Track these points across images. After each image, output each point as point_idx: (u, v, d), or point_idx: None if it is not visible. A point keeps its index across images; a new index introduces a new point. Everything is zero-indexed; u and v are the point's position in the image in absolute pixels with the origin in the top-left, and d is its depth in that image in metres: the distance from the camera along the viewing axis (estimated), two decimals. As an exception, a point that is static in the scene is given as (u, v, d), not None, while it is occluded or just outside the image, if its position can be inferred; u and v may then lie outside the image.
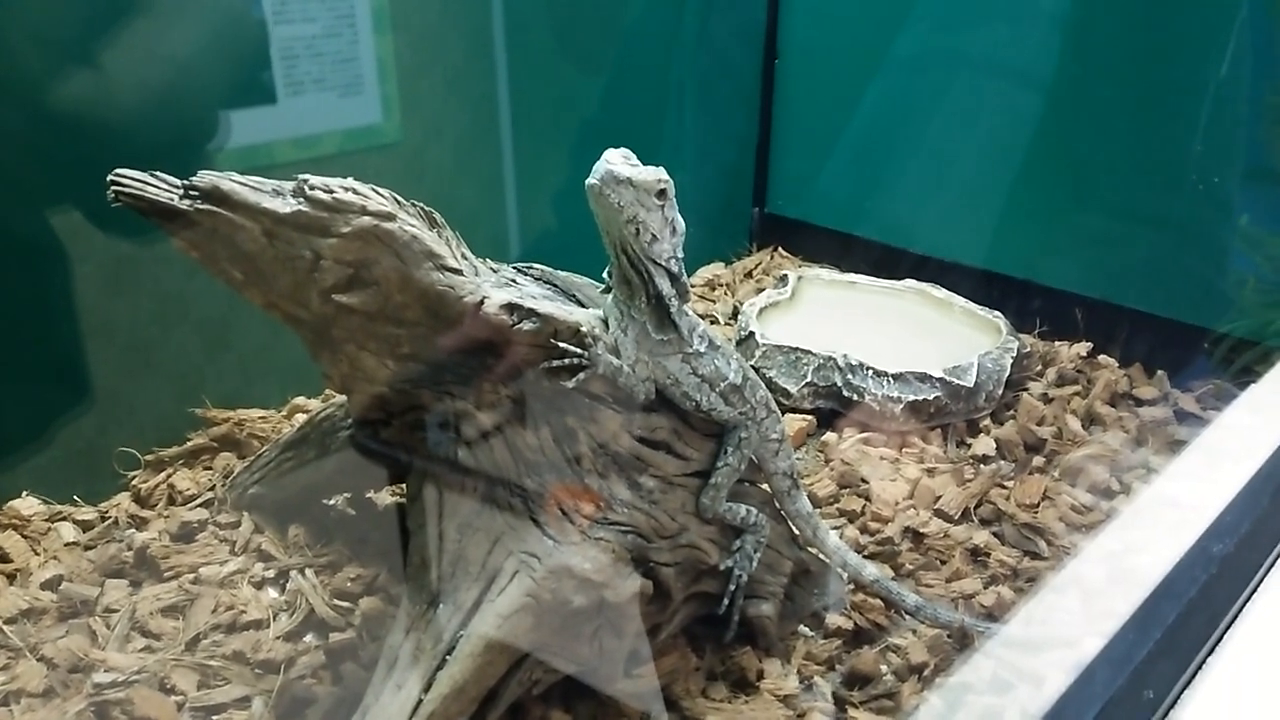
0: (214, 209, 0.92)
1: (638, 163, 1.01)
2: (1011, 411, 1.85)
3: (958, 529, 1.53)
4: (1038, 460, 1.70)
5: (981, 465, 1.71)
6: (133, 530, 1.44)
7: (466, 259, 1.03)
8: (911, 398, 1.77)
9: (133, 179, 0.92)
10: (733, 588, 1.22)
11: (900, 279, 2.20)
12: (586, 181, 0.98)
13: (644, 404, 1.12)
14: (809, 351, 1.85)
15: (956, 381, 1.79)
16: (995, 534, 1.52)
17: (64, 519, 1.48)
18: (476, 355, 1.02)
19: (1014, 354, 1.89)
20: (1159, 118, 1.93)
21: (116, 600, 1.31)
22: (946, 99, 2.18)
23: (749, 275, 2.43)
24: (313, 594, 1.30)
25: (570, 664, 1.08)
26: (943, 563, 1.46)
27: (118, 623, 1.27)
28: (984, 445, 1.75)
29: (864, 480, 1.65)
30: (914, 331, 2.10)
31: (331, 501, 1.47)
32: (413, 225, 0.96)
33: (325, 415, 1.36)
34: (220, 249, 0.94)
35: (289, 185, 0.95)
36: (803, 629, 1.32)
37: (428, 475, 1.06)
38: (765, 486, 1.30)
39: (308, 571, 1.33)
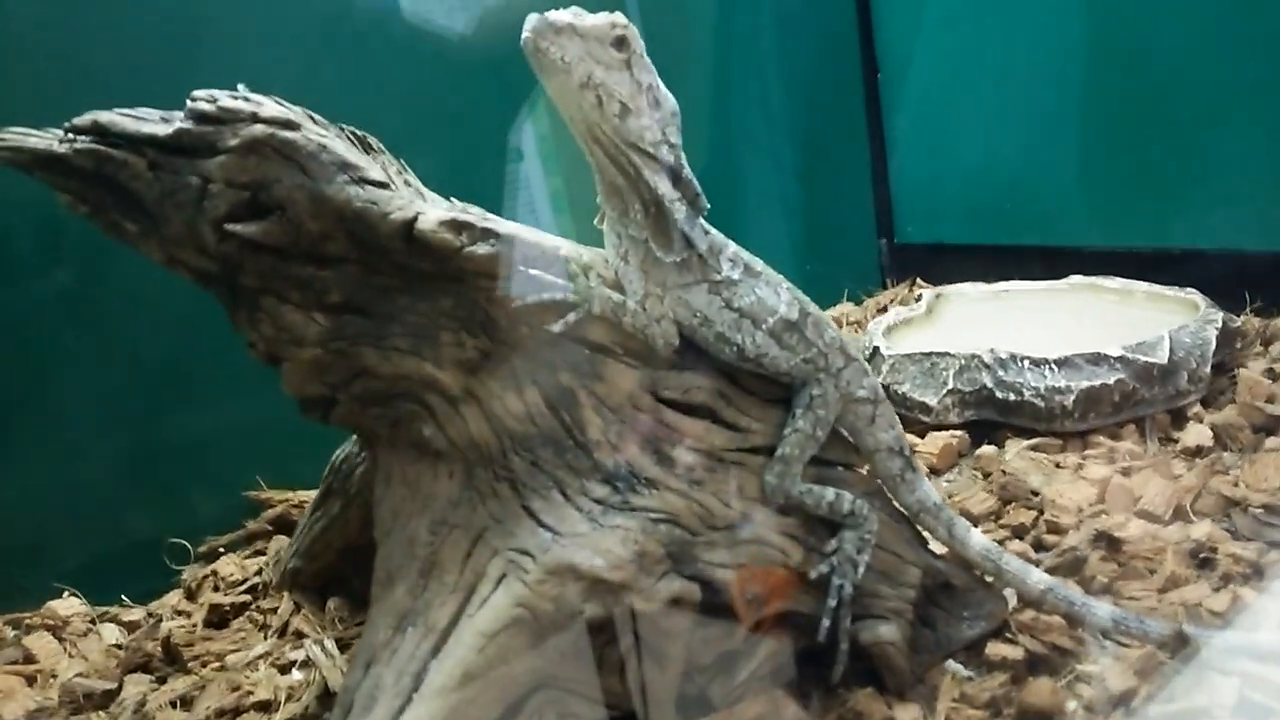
0: (94, 147, 0.77)
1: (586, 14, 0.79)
2: (1227, 395, 1.43)
3: (1168, 529, 1.14)
4: (1272, 442, 1.28)
5: (1195, 459, 1.30)
6: (164, 622, 1.27)
7: (410, 185, 0.84)
8: (1085, 384, 1.40)
9: (12, 133, 0.79)
10: (832, 602, 0.89)
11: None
12: (521, 38, 0.76)
13: (666, 353, 0.86)
14: (946, 354, 1.52)
15: (1143, 359, 1.40)
16: (1225, 528, 1.12)
17: (110, 620, 1.33)
18: (428, 298, 0.80)
19: (1218, 326, 1.49)
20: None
21: (133, 694, 1.13)
22: (1079, 65, 1.86)
23: (882, 311, 2.11)
24: (329, 667, 1.07)
25: (594, 706, 0.79)
26: (1151, 571, 1.07)
27: (120, 716, 1.08)
28: (1196, 435, 1.34)
29: (1034, 492, 1.28)
30: (1087, 325, 1.72)
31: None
32: (322, 134, 0.78)
33: (344, 456, 1.17)
34: (107, 196, 0.78)
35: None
36: (953, 665, 0.96)
37: (392, 466, 0.84)
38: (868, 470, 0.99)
39: (327, 643, 1.11)
